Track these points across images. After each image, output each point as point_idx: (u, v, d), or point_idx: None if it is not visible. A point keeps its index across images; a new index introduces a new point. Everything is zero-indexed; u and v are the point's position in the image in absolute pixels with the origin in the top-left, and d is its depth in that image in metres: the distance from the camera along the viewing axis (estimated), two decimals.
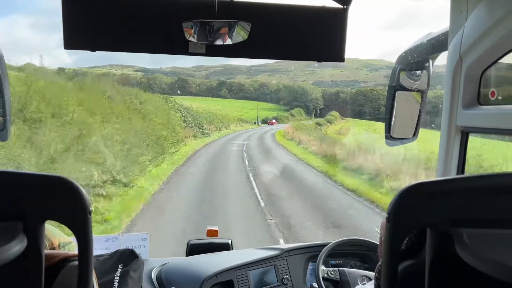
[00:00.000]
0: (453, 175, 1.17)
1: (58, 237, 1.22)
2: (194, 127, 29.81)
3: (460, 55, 1.10)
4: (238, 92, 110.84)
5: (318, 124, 52.13)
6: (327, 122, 56.41)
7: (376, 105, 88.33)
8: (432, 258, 0.60)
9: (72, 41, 1.35)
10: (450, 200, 0.58)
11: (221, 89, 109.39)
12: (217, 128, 37.78)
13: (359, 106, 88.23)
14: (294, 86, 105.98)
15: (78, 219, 0.60)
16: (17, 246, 0.56)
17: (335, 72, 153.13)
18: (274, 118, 71.75)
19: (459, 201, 0.58)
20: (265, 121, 67.66)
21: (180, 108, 32.03)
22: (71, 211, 0.60)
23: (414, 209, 0.59)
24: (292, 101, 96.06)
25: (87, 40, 1.37)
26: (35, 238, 0.59)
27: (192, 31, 1.35)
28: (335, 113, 68.74)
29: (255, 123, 63.80)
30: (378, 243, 1.93)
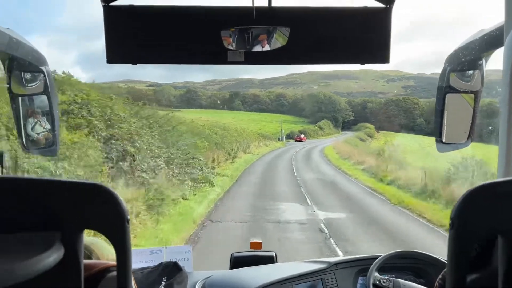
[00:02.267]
0: None
1: (107, 255, 1.24)
2: (171, 177, 13.29)
3: None
4: (252, 104, 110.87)
5: (361, 139, 48.47)
6: (368, 136, 52.96)
7: (411, 116, 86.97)
8: (506, 270, 0.58)
9: (114, 55, 1.55)
10: None
11: (234, 101, 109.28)
12: (229, 154, 24.88)
13: (392, 117, 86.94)
14: (319, 95, 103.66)
15: (116, 228, 0.62)
16: (53, 256, 0.58)
17: (351, 83, 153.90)
18: (301, 132, 66.79)
19: None
20: (290, 137, 62.67)
21: (121, 116, 13.28)
22: (109, 220, 0.62)
23: (483, 213, 0.56)
24: (316, 112, 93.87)
25: (128, 54, 1.57)
26: (73, 247, 0.62)
27: (231, 39, 1.52)
28: (370, 125, 66.64)
29: (279, 139, 57.08)
30: (434, 255, 2.01)
